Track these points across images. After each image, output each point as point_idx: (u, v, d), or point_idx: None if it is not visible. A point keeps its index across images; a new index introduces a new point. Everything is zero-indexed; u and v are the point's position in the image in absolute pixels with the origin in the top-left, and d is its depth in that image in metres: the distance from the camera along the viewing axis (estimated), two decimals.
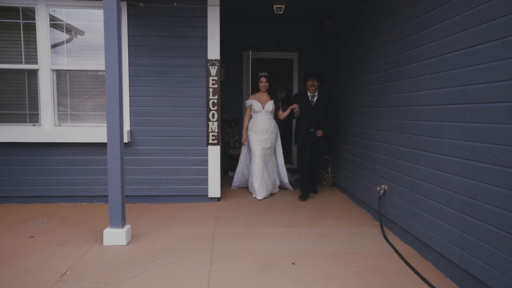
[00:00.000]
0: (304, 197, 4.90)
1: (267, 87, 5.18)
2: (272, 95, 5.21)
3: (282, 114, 5.24)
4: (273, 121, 5.23)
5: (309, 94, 4.97)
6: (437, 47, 2.82)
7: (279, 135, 5.35)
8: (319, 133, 4.88)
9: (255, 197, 4.97)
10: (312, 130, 4.92)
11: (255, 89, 5.47)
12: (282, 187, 5.53)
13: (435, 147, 2.84)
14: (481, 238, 2.33)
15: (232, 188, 5.51)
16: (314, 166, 5.19)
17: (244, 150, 5.40)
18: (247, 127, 5.24)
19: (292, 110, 4.95)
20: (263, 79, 5.18)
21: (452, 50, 2.63)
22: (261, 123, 5.12)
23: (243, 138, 5.29)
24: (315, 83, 4.91)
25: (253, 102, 5.16)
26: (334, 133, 5.61)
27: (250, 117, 5.25)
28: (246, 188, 5.53)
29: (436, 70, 2.83)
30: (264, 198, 4.97)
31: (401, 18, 3.42)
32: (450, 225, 2.65)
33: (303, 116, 4.95)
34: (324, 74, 6.07)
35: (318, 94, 4.97)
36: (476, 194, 2.37)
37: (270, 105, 5.15)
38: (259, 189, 4.96)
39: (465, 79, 2.49)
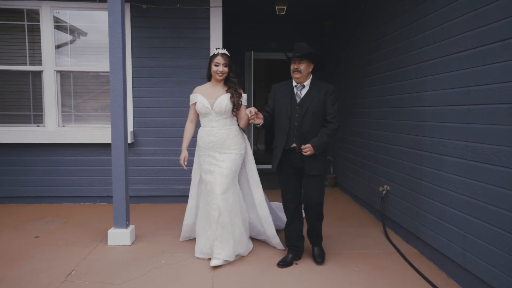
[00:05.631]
0: (285, 263, 2.89)
1: (225, 75, 3.08)
2: (230, 86, 3.10)
3: (243, 120, 3.11)
4: (234, 128, 3.10)
5: (294, 84, 2.90)
6: (440, 48, 2.84)
7: (250, 153, 3.23)
8: (306, 149, 2.73)
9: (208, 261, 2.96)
10: (294, 145, 2.85)
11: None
12: (265, 239, 3.33)
13: (438, 148, 2.85)
14: (484, 239, 2.34)
15: (181, 240, 3.40)
16: (310, 212, 2.91)
17: (196, 177, 3.26)
18: (189, 139, 3.25)
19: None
20: (219, 60, 3.03)
21: (455, 51, 2.65)
22: (209, 133, 3.06)
23: (182, 155, 3.19)
24: (300, 67, 2.79)
25: (197, 98, 3.11)
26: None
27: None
28: None
29: (439, 71, 2.85)
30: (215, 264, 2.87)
31: (405, 18, 3.43)
32: (453, 226, 2.66)
33: (282, 122, 2.89)
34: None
35: (310, 85, 2.87)
36: (479, 195, 2.39)
37: (223, 101, 3.03)
38: (199, 246, 3.03)
39: (467, 80, 2.51)
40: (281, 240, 3.21)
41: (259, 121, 2.81)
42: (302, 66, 2.80)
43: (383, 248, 3.29)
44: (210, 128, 3.07)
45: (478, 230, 2.39)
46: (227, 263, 2.92)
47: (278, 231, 3.35)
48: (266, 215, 3.18)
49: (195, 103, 3.12)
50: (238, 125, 3.18)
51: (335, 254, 3.12)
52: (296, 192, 2.94)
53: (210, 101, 3.05)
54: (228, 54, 3.10)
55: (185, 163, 3.18)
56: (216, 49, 3.11)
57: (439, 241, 2.83)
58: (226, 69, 3.06)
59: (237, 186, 3.12)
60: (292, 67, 2.83)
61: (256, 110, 2.76)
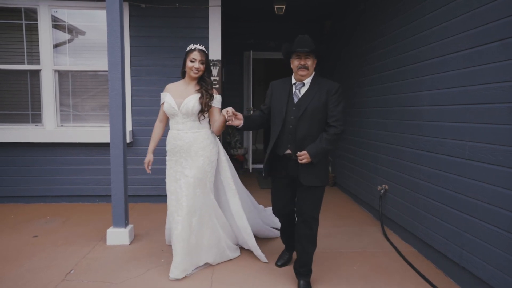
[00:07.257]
0: (283, 261, 2.90)
1: (200, 72, 2.83)
2: (201, 85, 2.84)
3: (215, 123, 2.84)
4: (203, 131, 2.85)
5: (293, 81, 2.56)
6: (438, 48, 2.85)
7: (224, 159, 2.99)
8: (302, 157, 2.37)
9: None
10: (288, 152, 2.52)
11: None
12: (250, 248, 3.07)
13: (436, 147, 2.87)
14: (481, 237, 2.36)
15: (167, 244, 3.28)
16: (300, 228, 2.55)
17: (170, 185, 3.02)
18: (157, 141, 3.07)
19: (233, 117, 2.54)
20: (196, 55, 2.80)
21: (452, 51, 2.66)
22: (175, 136, 2.85)
23: (146, 158, 3.01)
24: (308, 63, 2.47)
25: (165, 98, 2.88)
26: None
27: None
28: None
29: (437, 71, 2.86)
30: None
31: (404, 18, 3.44)
32: (450, 225, 2.68)
33: (275, 124, 2.57)
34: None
35: (311, 83, 2.52)
36: (476, 194, 2.40)
37: (190, 101, 2.78)
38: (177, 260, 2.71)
39: (465, 80, 2.52)
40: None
41: (238, 122, 2.51)
42: (309, 62, 2.47)
43: (381, 247, 3.30)
44: (176, 131, 2.84)
45: (476, 228, 2.41)
46: (227, 262, 2.94)
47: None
48: (245, 225, 2.96)
49: (163, 103, 2.90)
50: (210, 128, 2.92)
51: (333, 253, 3.13)
52: (288, 202, 2.66)
53: (178, 101, 2.80)
54: (206, 52, 2.89)
55: (149, 167, 2.98)
56: (193, 44, 2.86)
57: (437, 240, 2.85)
58: (202, 67, 2.81)
59: (209, 196, 2.87)
60: (298, 63, 2.47)
61: (233, 110, 2.50)
